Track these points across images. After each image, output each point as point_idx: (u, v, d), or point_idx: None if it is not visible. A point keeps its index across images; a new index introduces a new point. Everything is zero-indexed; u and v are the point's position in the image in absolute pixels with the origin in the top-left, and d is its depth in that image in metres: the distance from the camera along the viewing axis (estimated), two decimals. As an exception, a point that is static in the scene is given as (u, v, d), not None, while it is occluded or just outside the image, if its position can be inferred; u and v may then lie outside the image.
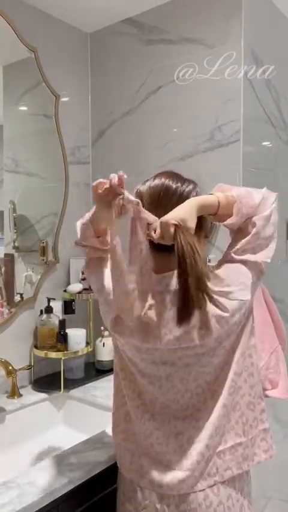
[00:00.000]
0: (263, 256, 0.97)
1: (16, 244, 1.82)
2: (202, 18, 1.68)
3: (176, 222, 0.89)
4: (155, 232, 0.92)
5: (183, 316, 0.89)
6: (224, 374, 1.01)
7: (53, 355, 1.69)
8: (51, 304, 1.78)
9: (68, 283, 1.92)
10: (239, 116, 1.60)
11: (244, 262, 0.96)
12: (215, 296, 0.93)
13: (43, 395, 1.67)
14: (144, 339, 0.96)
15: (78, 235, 1.03)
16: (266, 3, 1.77)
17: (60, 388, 1.69)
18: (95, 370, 1.89)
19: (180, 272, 0.88)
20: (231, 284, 0.94)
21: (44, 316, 1.75)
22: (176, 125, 1.77)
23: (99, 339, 1.90)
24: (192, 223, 0.91)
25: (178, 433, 1.01)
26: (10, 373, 1.51)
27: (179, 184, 1.00)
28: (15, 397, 1.62)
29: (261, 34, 1.71)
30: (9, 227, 1.77)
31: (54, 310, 1.77)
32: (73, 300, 1.88)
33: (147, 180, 1.03)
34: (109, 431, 1.31)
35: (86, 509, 1.18)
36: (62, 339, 1.71)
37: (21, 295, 1.78)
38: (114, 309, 0.99)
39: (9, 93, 1.73)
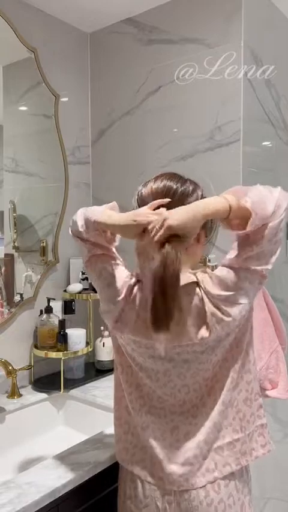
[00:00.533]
0: (265, 262, 0.96)
1: (16, 244, 1.82)
2: (202, 18, 1.68)
3: (169, 234, 0.88)
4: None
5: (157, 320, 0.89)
6: (222, 371, 1.01)
7: (53, 355, 1.69)
8: (51, 304, 1.78)
9: (68, 283, 1.92)
10: (239, 115, 1.60)
11: (245, 269, 0.95)
12: (214, 300, 0.94)
13: (43, 395, 1.67)
14: (144, 336, 0.96)
15: (79, 227, 1.02)
16: (266, 3, 1.77)
17: (60, 388, 1.69)
18: (95, 370, 1.89)
19: (157, 282, 0.87)
20: (230, 288, 0.94)
21: (44, 316, 1.75)
22: (176, 125, 1.77)
23: (99, 339, 1.90)
24: (192, 231, 0.90)
25: (174, 428, 1.02)
26: (10, 373, 1.51)
27: (179, 185, 0.99)
28: (15, 397, 1.62)
29: (261, 34, 1.71)
30: (9, 227, 1.77)
31: (54, 310, 1.77)
32: (73, 300, 1.88)
33: (148, 181, 1.03)
34: (109, 431, 1.31)
35: (86, 509, 1.18)
36: (62, 339, 1.71)
37: (21, 295, 1.78)
38: (118, 307, 1.00)
39: (9, 93, 1.73)
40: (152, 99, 1.83)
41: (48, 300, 1.77)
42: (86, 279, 1.89)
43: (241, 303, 0.95)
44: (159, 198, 0.97)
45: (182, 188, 0.99)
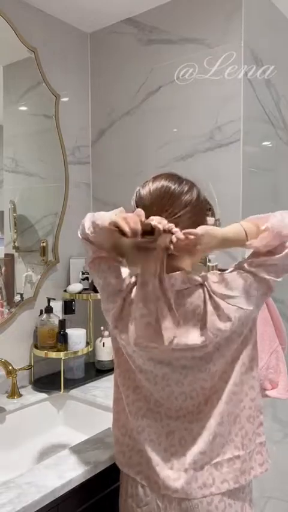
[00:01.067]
0: (275, 275, 0.97)
1: (16, 244, 1.82)
2: (202, 18, 1.68)
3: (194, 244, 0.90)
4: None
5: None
6: (221, 383, 1.01)
7: (53, 355, 1.69)
8: (51, 304, 1.78)
9: (68, 283, 1.92)
10: (239, 115, 1.60)
11: (254, 275, 0.97)
12: (216, 298, 0.95)
13: (43, 395, 1.67)
14: (145, 338, 0.96)
15: (86, 229, 1.02)
16: (266, 3, 1.77)
17: (60, 388, 1.68)
18: (95, 370, 1.89)
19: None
20: (235, 290, 0.95)
21: (44, 316, 1.75)
22: (176, 125, 1.77)
23: (99, 339, 1.90)
24: (209, 247, 0.92)
25: (170, 432, 1.02)
26: (10, 373, 1.51)
27: (176, 185, 0.99)
28: (15, 397, 1.62)
29: (261, 34, 1.71)
30: (9, 227, 1.77)
31: (54, 310, 1.77)
32: (73, 300, 1.88)
33: (147, 182, 1.03)
34: (109, 431, 1.31)
35: (86, 509, 1.18)
36: (62, 339, 1.71)
37: (21, 295, 1.78)
38: (118, 304, 1.01)
39: (9, 93, 1.73)
40: (152, 99, 1.83)
41: (49, 300, 1.77)
42: (86, 279, 1.89)
43: (242, 308, 0.95)
44: (157, 199, 0.97)
45: (179, 188, 0.99)
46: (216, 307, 0.94)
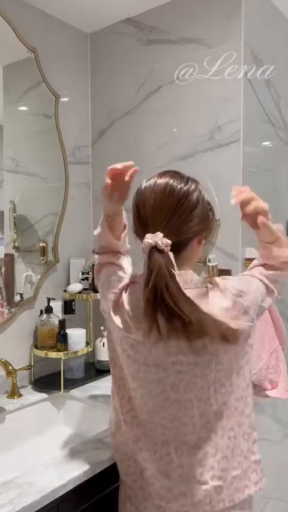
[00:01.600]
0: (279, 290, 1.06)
1: (16, 244, 1.81)
2: (202, 18, 1.68)
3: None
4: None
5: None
6: (217, 396, 0.99)
7: (53, 355, 1.69)
8: (51, 304, 1.77)
9: (68, 283, 1.92)
10: (239, 115, 1.60)
11: (267, 286, 1.04)
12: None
13: (43, 395, 1.66)
14: (138, 327, 0.96)
15: (98, 245, 1.12)
16: (265, 3, 1.76)
17: (60, 388, 1.68)
18: (95, 370, 1.89)
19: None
20: (242, 287, 1.00)
21: (44, 316, 1.75)
22: (176, 125, 1.77)
23: (99, 338, 1.89)
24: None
25: (165, 442, 1.00)
26: (10, 373, 1.51)
27: (183, 184, 0.98)
28: (15, 397, 1.62)
29: (261, 34, 1.71)
30: (9, 227, 1.77)
31: (54, 310, 1.77)
32: (73, 300, 1.88)
33: (150, 178, 1.01)
34: (109, 431, 1.31)
35: (86, 509, 1.18)
36: (62, 339, 1.71)
37: (21, 295, 1.78)
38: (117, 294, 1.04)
39: (9, 93, 1.73)
40: (152, 99, 1.83)
41: (48, 300, 1.77)
42: (86, 279, 1.88)
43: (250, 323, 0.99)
44: (159, 194, 0.96)
45: (185, 188, 0.97)
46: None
